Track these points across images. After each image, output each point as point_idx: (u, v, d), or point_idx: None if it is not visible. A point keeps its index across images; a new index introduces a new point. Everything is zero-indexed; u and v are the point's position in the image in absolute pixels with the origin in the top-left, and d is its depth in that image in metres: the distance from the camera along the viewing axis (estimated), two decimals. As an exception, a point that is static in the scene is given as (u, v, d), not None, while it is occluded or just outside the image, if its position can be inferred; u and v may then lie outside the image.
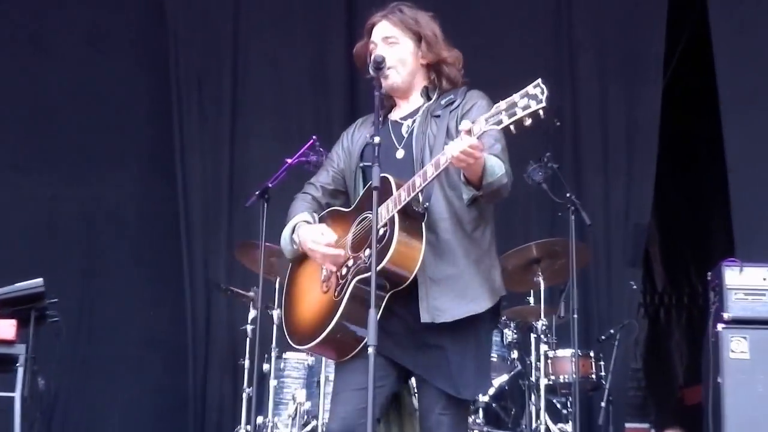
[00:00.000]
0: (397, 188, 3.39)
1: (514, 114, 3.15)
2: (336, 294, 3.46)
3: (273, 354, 6.13)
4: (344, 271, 3.48)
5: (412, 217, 3.39)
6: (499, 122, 3.18)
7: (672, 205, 8.64)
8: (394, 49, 3.64)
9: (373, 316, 3.16)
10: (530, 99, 3.14)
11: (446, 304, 3.43)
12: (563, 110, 7.40)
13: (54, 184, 7.66)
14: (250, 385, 6.08)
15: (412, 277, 3.37)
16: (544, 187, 6.10)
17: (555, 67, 7.65)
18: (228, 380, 7.25)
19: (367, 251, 3.39)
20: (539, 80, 3.16)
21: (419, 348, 3.45)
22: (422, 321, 3.41)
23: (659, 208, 8.31)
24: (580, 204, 6.07)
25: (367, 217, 3.48)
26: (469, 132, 3.21)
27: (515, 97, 3.17)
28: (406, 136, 3.60)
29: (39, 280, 5.18)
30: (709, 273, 5.84)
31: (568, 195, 6.06)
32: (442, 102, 3.62)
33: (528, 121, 3.14)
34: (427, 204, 3.42)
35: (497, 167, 3.38)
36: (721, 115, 6.94)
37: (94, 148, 7.71)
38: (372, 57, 3.59)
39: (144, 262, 7.70)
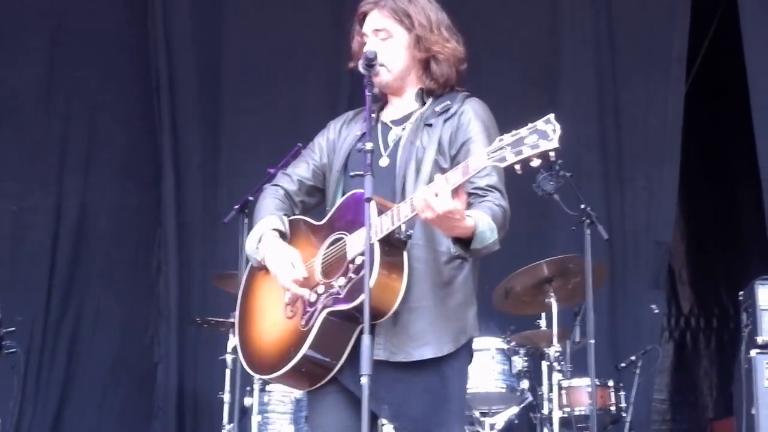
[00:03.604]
0: (380, 212, 3.29)
1: (520, 152, 3.02)
2: (303, 324, 3.39)
3: (256, 386, 6.09)
4: (313, 297, 3.41)
5: (394, 245, 3.31)
6: (503, 159, 3.05)
7: (701, 218, 8.65)
8: (387, 44, 3.55)
9: (368, 342, 3.08)
10: (540, 136, 3.02)
11: (404, 341, 3.36)
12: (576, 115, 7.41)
13: (18, 194, 7.71)
14: (231, 421, 6.06)
15: (391, 312, 3.29)
16: (555, 198, 6.07)
17: (565, 66, 7.67)
18: (206, 416, 7.25)
19: (341, 280, 3.33)
20: (551, 116, 3.04)
21: (381, 385, 3.30)
22: (375, 358, 3.24)
23: (687, 222, 8.31)
24: (597, 217, 6.05)
25: (341, 238, 3.41)
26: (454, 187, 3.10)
27: (523, 131, 3.05)
28: (391, 144, 3.52)
29: (-7, 307, 5.14)
30: (741, 292, 5.82)
31: (582, 207, 6.04)
32: (437, 108, 3.52)
33: (536, 162, 3.03)
34: (411, 232, 3.32)
35: (488, 232, 3.25)
36: (753, 121, 6.92)
37: (62, 154, 7.78)
38: (363, 52, 3.51)
39: (115, 279, 7.75)
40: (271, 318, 3.54)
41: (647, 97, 7.53)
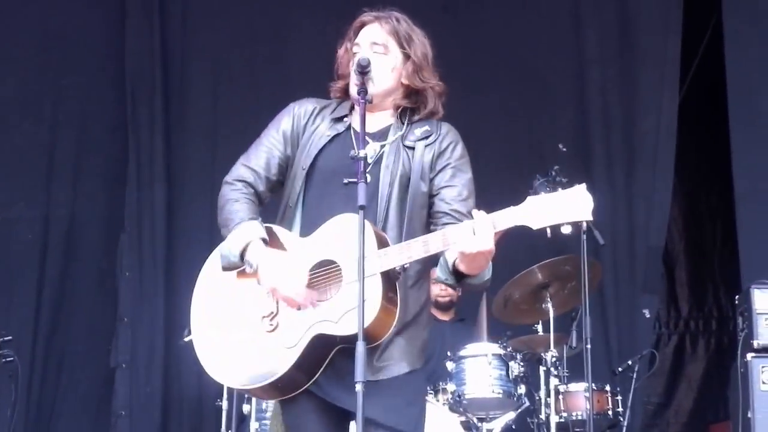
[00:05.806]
0: (379, 241, 3.41)
1: (552, 218, 3.24)
2: (290, 342, 3.45)
3: (253, 394, 6.17)
4: (300, 315, 3.47)
5: (391, 279, 3.43)
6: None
7: (700, 220, 8.73)
8: (380, 59, 3.63)
9: (362, 350, 3.20)
10: (571, 205, 3.22)
11: (387, 361, 3.51)
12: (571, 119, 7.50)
13: (3, 204, 7.75)
14: (228, 428, 6.14)
15: (380, 341, 3.43)
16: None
17: (562, 72, 7.80)
18: (200, 424, 7.33)
19: (337, 306, 3.40)
20: (584, 186, 3.24)
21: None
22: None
23: (686, 224, 8.40)
24: (593, 222, 6.12)
25: (334, 262, 3.47)
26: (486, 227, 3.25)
27: (555, 197, 3.24)
28: (371, 161, 3.56)
29: (-10, 315, 5.18)
30: (737, 296, 5.91)
31: (580, 212, 6.10)
32: (417, 132, 3.66)
33: (567, 229, 3.23)
34: (407, 264, 3.45)
35: (487, 270, 3.48)
36: (730, 136, 7.05)
37: (50, 163, 7.82)
38: (356, 59, 3.59)
39: (104, 290, 7.77)
40: (248, 328, 3.55)
41: (641, 101, 7.63)
